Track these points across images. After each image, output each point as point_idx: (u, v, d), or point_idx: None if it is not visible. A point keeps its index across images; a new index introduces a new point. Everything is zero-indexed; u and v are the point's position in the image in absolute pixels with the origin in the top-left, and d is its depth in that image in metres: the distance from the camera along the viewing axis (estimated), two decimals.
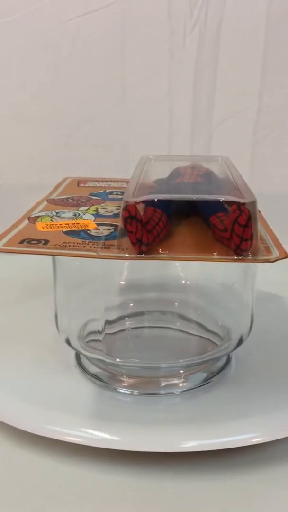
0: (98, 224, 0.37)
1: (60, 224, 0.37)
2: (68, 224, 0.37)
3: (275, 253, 0.32)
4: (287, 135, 0.84)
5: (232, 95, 0.82)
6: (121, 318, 0.48)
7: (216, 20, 0.79)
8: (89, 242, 0.34)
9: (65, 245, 0.33)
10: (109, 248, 0.33)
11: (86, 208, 0.41)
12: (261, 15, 0.78)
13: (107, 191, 0.47)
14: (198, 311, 0.48)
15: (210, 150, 0.82)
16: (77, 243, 0.34)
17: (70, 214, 0.39)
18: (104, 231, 0.36)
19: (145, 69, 0.81)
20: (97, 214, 0.39)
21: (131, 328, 0.48)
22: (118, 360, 0.43)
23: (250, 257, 0.31)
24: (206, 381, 0.42)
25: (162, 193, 0.37)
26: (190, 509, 0.35)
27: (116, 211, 0.40)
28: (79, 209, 0.41)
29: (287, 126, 0.84)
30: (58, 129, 0.82)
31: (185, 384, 0.42)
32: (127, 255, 0.32)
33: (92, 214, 0.39)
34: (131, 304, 0.49)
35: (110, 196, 0.45)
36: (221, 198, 0.34)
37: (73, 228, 0.36)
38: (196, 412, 0.39)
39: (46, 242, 0.34)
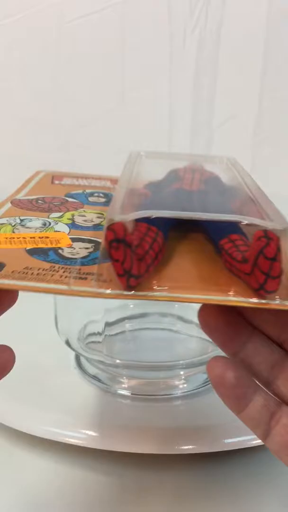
0: (73, 240, 0.29)
1: (24, 238, 0.28)
2: (34, 238, 0.28)
3: None
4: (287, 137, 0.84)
5: (232, 97, 0.82)
6: (121, 320, 0.48)
7: (216, 21, 0.79)
8: (59, 268, 0.25)
9: (26, 273, 0.25)
10: (85, 278, 0.25)
11: (59, 215, 0.32)
12: (261, 17, 0.78)
13: (87, 191, 0.38)
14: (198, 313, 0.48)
15: (210, 151, 0.82)
16: (44, 270, 0.25)
17: (39, 223, 0.30)
18: (80, 250, 0.27)
19: (145, 71, 0.81)
20: (72, 224, 0.31)
21: (131, 330, 0.48)
22: (118, 361, 0.42)
23: (277, 302, 0.24)
24: (206, 382, 0.42)
25: (157, 203, 0.30)
26: (190, 510, 0.35)
27: (97, 220, 0.32)
28: (50, 216, 0.32)
29: (287, 127, 0.84)
30: (58, 130, 0.82)
31: (185, 385, 0.42)
32: (109, 291, 0.24)
33: (66, 224, 0.31)
34: (131, 306, 0.49)
35: (90, 199, 0.36)
36: (244, 221, 0.26)
37: (40, 245, 0.28)
38: (196, 414, 0.39)
39: (1, 266, 0.25)
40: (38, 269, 0.25)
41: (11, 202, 0.34)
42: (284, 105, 0.83)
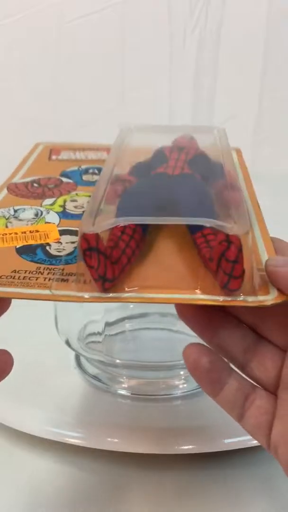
0: (62, 232, 0.31)
1: (16, 234, 0.30)
2: (25, 233, 0.30)
3: (273, 293, 0.25)
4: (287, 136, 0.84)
5: (232, 97, 0.82)
6: (121, 320, 0.48)
7: (216, 21, 0.79)
8: (44, 269, 0.27)
9: (13, 278, 0.27)
10: (67, 281, 0.26)
11: (52, 201, 0.34)
12: (261, 17, 0.78)
13: (82, 167, 0.39)
14: None
15: None
16: (29, 273, 0.27)
17: (31, 213, 0.33)
18: (67, 245, 0.29)
19: (145, 71, 0.81)
20: (63, 213, 0.33)
21: (131, 330, 0.48)
22: (118, 361, 0.42)
23: (241, 298, 0.25)
24: None
25: (137, 193, 0.31)
26: (190, 510, 0.35)
27: (87, 206, 0.34)
28: (43, 203, 0.34)
29: (287, 127, 0.84)
30: (58, 130, 0.82)
31: (185, 385, 0.42)
32: (86, 295, 0.26)
33: (57, 213, 0.33)
34: (131, 306, 0.49)
35: (84, 178, 0.38)
36: (207, 224, 0.27)
37: (30, 241, 0.30)
38: (196, 414, 0.39)
39: None
40: (25, 272, 0.27)
41: (8, 188, 0.35)
42: (284, 105, 0.84)
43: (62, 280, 0.26)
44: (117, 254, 0.26)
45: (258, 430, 0.27)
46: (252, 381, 0.28)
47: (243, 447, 0.36)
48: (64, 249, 0.29)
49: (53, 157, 0.40)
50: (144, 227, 0.29)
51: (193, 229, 0.28)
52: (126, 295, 0.25)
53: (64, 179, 0.37)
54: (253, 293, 0.25)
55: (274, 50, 0.80)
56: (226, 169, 0.33)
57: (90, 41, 0.80)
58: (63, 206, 0.33)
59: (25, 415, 0.39)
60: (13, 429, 0.38)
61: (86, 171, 0.38)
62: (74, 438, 0.37)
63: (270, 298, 0.25)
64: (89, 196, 0.34)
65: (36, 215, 0.32)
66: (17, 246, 0.29)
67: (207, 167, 0.35)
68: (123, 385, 0.42)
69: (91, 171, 0.38)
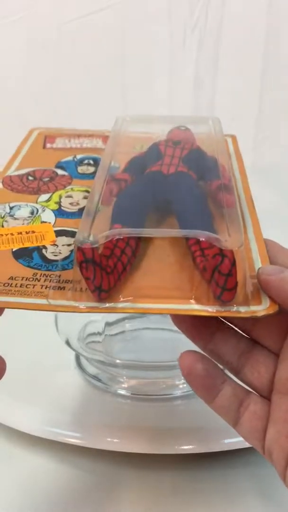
0: (57, 233, 0.31)
1: (12, 235, 0.30)
2: (21, 234, 0.30)
3: (265, 303, 0.26)
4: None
5: (232, 97, 0.82)
6: (121, 320, 0.48)
7: (216, 21, 0.79)
8: (41, 275, 0.27)
9: (10, 285, 0.27)
10: (64, 288, 0.27)
11: (47, 197, 0.34)
12: (261, 17, 0.78)
13: (78, 157, 0.39)
14: None
15: None
16: (26, 279, 0.27)
17: (27, 211, 0.32)
18: (63, 248, 0.29)
19: (145, 71, 0.81)
20: (59, 211, 0.33)
21: (131, 330, 0.48)
22: (118, 361, 0.42)
23: (234, 309, 0.25)
24: None
25: (133, 193, 0.32)
26: (190, 509, 0.35)
27: (82, 202, 0.34)
28: (38, 200, 0.34)
29: (287, 127, 0.84)
30: None
31: (185, 385, 0.42)
32: (82, 305, 0.26)
33: (53, 211, 0.33)
34: None
35: (79, 170, 0.37)
36: (201, 237, 0.27)
37: (26, 244, 0.30)
38: (196, 414, 0.39)
39: None
40: (22, 279, 0.27)
41: (3, 182, 0.35)
42: (284, 105, 0.83)
43: (59, 288, 0.27)
44: (112, 262, 0.26)
45: (253, 435, 0.27)
46: (246, 386, 0.28)
47: (243, 447, 0.36)
48: (60, 253, 0.29)
49: (48, 145, 0.40)
50: (142, 224, 0.29)
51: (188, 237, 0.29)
52: (121, 305, 0.26)
53: (59, 171, 0.37)
54: (246, 303, 0.26)
55: (274, 50, 0.80)
56: (221, 164, 0.34)
57: (90, 41, 0.80)
58: (59, 203, 0.33)
59: (25, 415, 0.39)
60: (13, 429, 0.38)
61: (81, 162, 0.38)
62: (74, 438, 0.37)
63: (261, 309, 0.25)
64: (84, 191, 0.34)
65: (32, 213, 0.32)
66: (14, 249, 0.29)
67: (202, 164, 0.35)
68: (123, 385, 0.42)
69: (86, 161, 0.38)
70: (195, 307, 0.26)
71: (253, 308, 0.25)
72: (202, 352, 0.28)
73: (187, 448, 0.36)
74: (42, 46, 0.80)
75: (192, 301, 0.26)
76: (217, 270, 0.25)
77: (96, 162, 0.38)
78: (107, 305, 0.26)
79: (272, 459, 0.26)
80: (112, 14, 0.79)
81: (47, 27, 0.79)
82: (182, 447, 0.36)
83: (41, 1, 0.78)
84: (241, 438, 0.36)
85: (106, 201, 0.30)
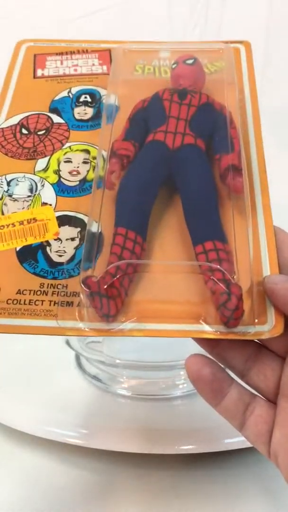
0: (59, 220, 0.30)
1: (13, 226, 0.30)
2: (23, 224, 0.30)
3: (270, 321, 0.26)
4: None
5: None
6: None
7: (216, 22, 0.79)
8: (48, 286, 0.27)
9: (19, 303, 0.27)
10: (71, 304, 0.27)
11: (45, 164, 0.32)
12: (261, 17, 0.78)
13: (73, 92, 0.36)
14: None
15: None
16: (34, 293, 0.27)
17: (25, 188, 0.31)
18: (66, 244, 0.29)
19: None
20: (58, 185, 0.31)
21: None
22: (118, 361, 0.42)
23: (241, 331, 0.26)
24: None
25: (137, 176, 0.30)
26: (190, 509, 0.35)
27: (82, 169, 0.32)
28: (36, 168, 0.32)
29: (287, 127, 0.84)
30: None
31: (185, 385, 0.42)
32: (89, 329, 0.26)
33: (52, 185, 0.32)
34: None
35: (76, 113, 0.35)
36: (211, 276, 0.26)
37: (30, 239, 0.29)
38: (196, 414, 0.39)
39: None
40: (30, 293, 0.27)
41: None
42: (284, 105, 0.83)
43: (67, 303, 0.27)
44: (118, 282, 0.26)
45: (258, 438, 0.27)
46: (252, 390, 0.28)
47: (243, 447, 0.36)
48: (65, 252, 0.29)
49: (39, 71, 0.37)
50: (144, 236, 0.29)
51: (195, 237, 0.28)
52: (128, 327, 0.26)
53: (55, 118, 0.35)
54: (252, 322, 0.26)
55: (274, 50, 0.80)
56: (229, 118, 0.32)
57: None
58: (58, 172, 0.32)
59: (25, 415, 0.39)
60: (13, 429, 0.38)
61: (78, 97, 0.36)
62: (74, 438, 0.37)
63: (266, 330, 0.26)
64: (83, 150, 0.33)
65: (31, 190, 0.31)
66: (17, 249, 0.29)
67: (212, 128, 0.32)
68: (123, 385, 0.42)
69: (82, 98, 0.36)
70: (204, 329, 0.26)
71: (259, 328, 0.26)
72: (207, 354, 0.28)
73: (187, 448, 0.36)
74: None
75: (202, 321, 0.26)
76: (223, 306, 0.26)
77: (94, 98, 0.36)
78: (115, 327, 0.26)
79: (277, 463, 0.26)
80: (112, 14, 0.78)
81: (47, 26, 0.79)
82: (182, 447, 0.36)
83: (42, 0, 0.78)
84: (241, 438, 0.36)
85: (109, 185, 0.30)
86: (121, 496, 0.35)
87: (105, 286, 0.26)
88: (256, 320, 0.26)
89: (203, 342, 0.28)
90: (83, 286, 0.26)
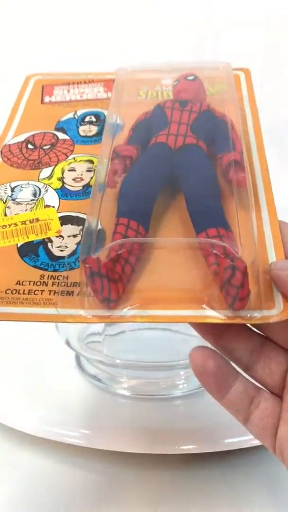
0: (62, 220, 0.30)
1: (16, 225, 0.29)
2: (25, 223, 0.29)
3: (278, 306, 0.25)
4: None
5: None
6: None
7: (216, 21, 0.79)
8: (48, 277, 0.27)
9: (18, 292, 0.26)
10: (72, 294, 0.26)
11: (49, 172, 0.32)
12: (261, 17, 0.78)
13: (79, 114, 0.37)
14: None
15: None
16: (34, 284, 0.27)
17: (29, 193, 0.31)
18: (69, 240, 0.28)
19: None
20: (62, 190, 0.31)
21: (131, 330, 0.48)
22: (118, 361, 0.42)
23: (247, 315, 0.25)
24: None
25: (139, 176, 0.30)
26: (190, 509, 0.35)
27: (86, 177, 0.32)
28: (40, 176, 0.32)
29: (287, 127, 0.84)
30: None
31: (185, 385, 0.42)
32: (91, 315, 0.25)
33: (56, 190, 0.31)
34: None
35: (81, 130, 0.35)
36: (214, 250, 0.26)
37: (31, 236, 0.29)
38: (196, 414, 0.39)
39: None
40: (29, 283, 0.26)
41: (2, 154, 0.34)
42: (284, 105, 0.83)
43: (67, 293, 0.26)
44: (120, 267, 0.26)
45: (263, 432, 0.26)
46: (257, 383, 0.28)
47: (243, 447, 0.36)
48: (66, 247, 0.28)
49: (46, 98, 0.38)
50: (146, 228, 0.28)
51: (198, 225, 0.28)
52: (130, 313, 0.25)
53: (60, 135, 0.35)
54: (258, 306, 0.25)
55: (274, 50, 0.80)
56: (231, 124, 0.32)
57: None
58: (62, 179, 0.32)
59: (25, 415, 0.39)
60: (13, 429, 0.38)
61: (83, 118, 0.36)
62: (74, 438, 0.37)
63: (275, 314, 0.25)
64: (88, 161, 0.33)
65: (34, 194, 0.31)
66: (19, 245, 0.28)
67: (212, 131, 0.33)
68: (123, 385, 0.42)
69: (87, 119, 0.36)
70: (208, 313, 0.25)
71: (266, 312, 0.25)
72: (211, 347, 0.27)
73: (187, 448, 0.36)
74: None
75: (205, 306, 0.25)
76: (228, 283, 0.25)
77: (98, 119, 0.37)
78: (116, 313, 0.25)
79: (283, 458, 0.26)
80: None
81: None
82: (182, 447, 0.36)
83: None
84: (241, 438, 0.36)
85: (111, 183, 0.30)
86: (121, 496, 0.35)
87: (106, 260, 0.25)
88: (263, 306, 0.25)
89: (207, 333, 0.28)
90: (82, 264, 0.25)
